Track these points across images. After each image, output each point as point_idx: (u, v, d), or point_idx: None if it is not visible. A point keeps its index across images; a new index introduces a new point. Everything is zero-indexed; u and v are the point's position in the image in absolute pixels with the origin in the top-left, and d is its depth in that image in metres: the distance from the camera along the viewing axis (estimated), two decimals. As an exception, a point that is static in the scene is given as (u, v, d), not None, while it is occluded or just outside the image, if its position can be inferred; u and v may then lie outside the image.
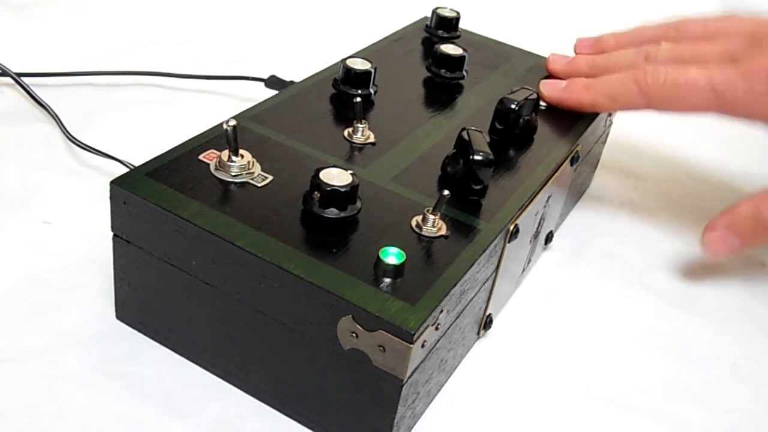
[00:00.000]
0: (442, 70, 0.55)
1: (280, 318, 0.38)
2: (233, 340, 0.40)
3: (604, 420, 0.44)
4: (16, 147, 0.57)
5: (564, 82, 0.55)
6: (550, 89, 0.55)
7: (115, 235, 0.41)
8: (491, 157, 0.43)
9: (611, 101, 0.53)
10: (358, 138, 0.47)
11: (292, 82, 0.61)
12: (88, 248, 0.49)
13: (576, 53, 0.60)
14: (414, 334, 0.34)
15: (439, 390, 0.43)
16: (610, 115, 0.60)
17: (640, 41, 0.57)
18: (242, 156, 0.42)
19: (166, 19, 0.80)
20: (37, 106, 0.60)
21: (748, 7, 0.97)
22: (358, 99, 0.47)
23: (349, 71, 0.51)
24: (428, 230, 0.40)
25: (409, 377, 0.36)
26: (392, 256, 0.37)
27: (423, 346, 0.36)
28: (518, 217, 0.44)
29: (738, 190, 0.67)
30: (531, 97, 0.50)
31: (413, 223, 0.41)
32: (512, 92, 0.50)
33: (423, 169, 0.46)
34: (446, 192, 0.39)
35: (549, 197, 0.49)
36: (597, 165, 0.64)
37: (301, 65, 0.65)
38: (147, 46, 0.74)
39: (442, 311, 0.37)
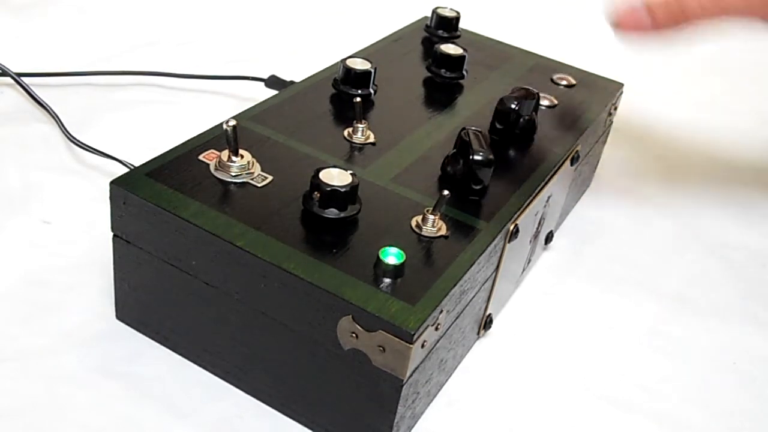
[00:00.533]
0: (442, 70, 0.55)
1: (280, 318, 0.38)
2: (233, 340, 0.40)
3: (604, 420, 0.44)
4: (16, 147, 0.57)
5: (640, 5, 0.49)
6: (628, 18, 0.50)
7: (115, 235, 0.41)
8: (491, 157, 0.43)
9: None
10: (358, 138, 0.47)
11: (292, 82, 0.61)
12: (88, 248, 0.49)
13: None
14: (414, 335, 0.34)
15: (439, 390, 0.43)
16: (610, 115, 0.60)
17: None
18: (242, 156, 0.42)
19: (166, 19, 0.80)
20: (37, 106, 0.60)
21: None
22: (358, 99, 0.47)
23: (349, 71, 0.51)
24: (428, 230, 0.40)
25: (409, 377, 0.36)
26: (392, 256, 0.37)
27: (423, 346, 0.36)
28: (518, 217, 0.44)
29: (737, 190, 0.67)
30: (531, 97, 0.50)
31: (413, 223, 0.41)
32: (512, 92, 0.50)
33: (423, 169, 0.46)
34: (446, 192, 0.39)
35: (549, 197, 0.49)
36: (597, 165, 0.64)
37: (301, 65, 0.65)
38: (147, 46, 0.74)
39: (442, 311, 0.37)
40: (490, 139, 0.49)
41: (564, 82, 0.59)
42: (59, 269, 0.47)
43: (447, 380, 0.44)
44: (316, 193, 0.39)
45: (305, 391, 0.39)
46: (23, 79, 0.61)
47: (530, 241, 0.49)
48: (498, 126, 0.50)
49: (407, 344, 0.34)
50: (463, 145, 0.44)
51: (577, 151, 0.52)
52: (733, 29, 0.50)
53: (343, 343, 0.36)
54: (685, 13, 0.47)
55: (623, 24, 0.48)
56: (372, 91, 0.52)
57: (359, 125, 0.47)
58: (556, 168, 0.49)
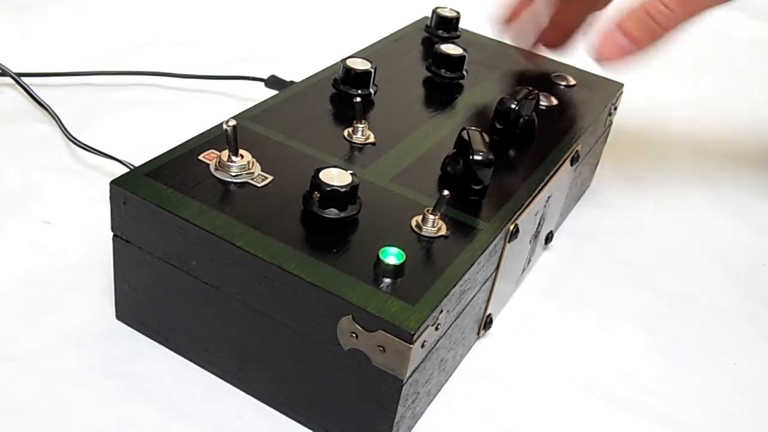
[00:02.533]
0: (442, 70, 0.55)
1: (280, 318, 0.38)
2: (233, 340, 0.40)
3: (604, 420, 0.44)
4: (16, 147, 0.57)
5: (619, 33, 0.51)
6: (608, 46, 0.51)
7: (115, 235, 0.41)
8: (491, 157, 0.43)
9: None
10: (358, 138, 0.47)
11: (292, 82, 0.61)
12: (88, 248, 0.49)
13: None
14: (414, 335, 0.34)
15: (439, 390, 0.43)
16: (610, 115, 0.60)
17: None
18: (242, 156, 0.42)
19: (166, 19, 0.80)
20: (37, 106, 0.60)
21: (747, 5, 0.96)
22: (358, 99, 0.47)
23: (349, 71, 0.51)
24: (428, 230, 0.40)
25: (409, 377, 0.36)
26: (392, 256, 0.37)
27: (423, 346, 0.36)
28: (518, 217, 0.44)
29: (737, 189, 0.67)
30: (531, 97, 0.50)
31: (413, 223, 0.41)
32: (512, 92, 0.50)
33: (423, 169, 0.46)
34: (446, 192, 0.39)
35: (549, 197, 0.49)
36: (597, 165, 0.64)
37: (301, 65, 0.65)
38: (147, 46, 0.74)
39: (442, 311, 0.37)
40: (490, 139, 0.49)
41: (564, 82, 0.59)
42: (59, 269, 0.47)
43: (447, 380, 0.44)
44: (316, 193, 0.39)
45: (305, 391, 0.39)
46: (23, 79, 0.61)
47: (530, 241, 0.49)
48: (498, 126, 0.50)
49: (407, 344, 0.34)
50: (463, 145, 0.44)
51: (577, 151, 0.52)
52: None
53: (343, 343, 0.36)
54: (660, 25, 0.49)
55: (606, 54, 0.50)
56: (372, 91, 0.52)
57: (359, 125, 0.47)
58: (556, 168, 0.49)
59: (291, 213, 0.40)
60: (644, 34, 0.49)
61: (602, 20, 0.50)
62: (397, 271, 0.37)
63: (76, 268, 0.47)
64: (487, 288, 0.44)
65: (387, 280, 0.37)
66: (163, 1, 0.83)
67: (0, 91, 0.63)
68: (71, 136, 0.57)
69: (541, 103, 0.54)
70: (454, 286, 0.37)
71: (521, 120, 0.50)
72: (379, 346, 0.35)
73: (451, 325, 0.40)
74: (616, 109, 0.62)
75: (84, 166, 0.56)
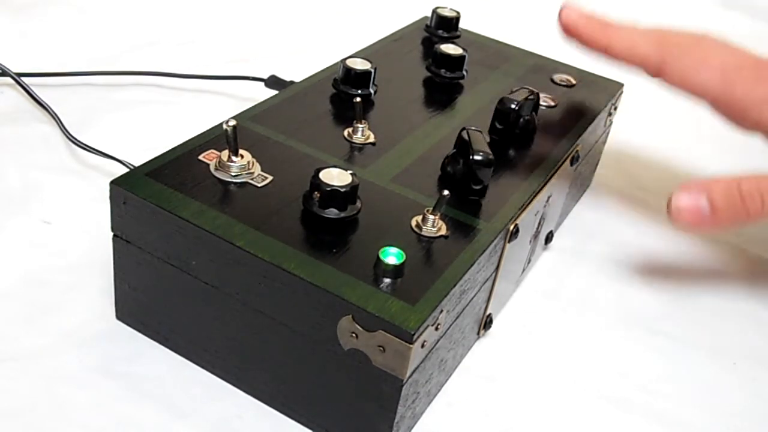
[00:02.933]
0: (442, 70, 0.55)
1: (280, 318, 0.38)
2: (233, 340, 0.40)
3: (604, 420, 0.44)
4: (16, 147, 0.57)
5: (586, 12, 0.53)
6: (569, 13, 0.53)
7: (115, 235, 0.41)
8: (491, 157, 0.43)
9: (628, 49, 0.51)
10: (358, 138, 0.47)
11: (292, 82, 0.61)
12: (88, 248, 0.49)
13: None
14: (414, 334, 0.34)
15: (439, 390, 0.43)
16: (610, 115, 0.60)
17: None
18: (242, 156, 0.42)
19: (166, 19, 0.80)
20: (37, 106, 0.60)
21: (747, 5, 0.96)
22: (358, 99, 0.47)
23: (349, 71, 0.51)
24: (428, 230, 0.40)
25: (409, 377, 0.36)
26: (392, 256, 0.37)
27: (423, 346, 0.36)
28: (518, 217, 0.44)
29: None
30: (531, 97, 0.50)
31: (413, 223, 0.41)
32: (512, 92, 0.50)
33: (423, 169, 0.46)
34: (446, 192, 0.39)
35: (549, 197, 0.49)
36: (597, 165, 0.64)
37: (301, 65, 0.65)
38: (147, 46, 0.74)
39: (442, 311, 0.37)
40: (490, 139, 0.49)
41: (564, 82, 0.59)
42: (59, 269, 0.47)
43: (447, 380, 0.44)
44: (316, 193, 0.39)
45: (305, 391, 0.39)
46: (23, 79, 0.61)
47: (530, 241, 0.49)
48: (498, 126, 0.50)
49: (407, 344, 0.34)
50: (463, 145, 0.44)
51: (577, 151, 0.52)
52: None
53: (343, 343, 0.36)
54: (748, 212, 0.45)
55: (683, 219, 0.46)
56: (372, 91, 0.52)
57: (359, 125, 0.47)
58: (556, 168, 0.49)
59: (291, 213, 0.40)
60: (729, 216, 0.46)
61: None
62: (397, 271, 0.37)
63: (76, 268, 0.47)
64: (487, 288, 0.44)
65: (387, 280, 0.36)
66: (163, 1, 0.83)
67: (0, 91, 0.63)
68: (71, 136, 0.57)
69: (541, 103, 0.54)
70: (454, 286, 0.37)
71: (521, 120, 0.50)
72: (379, 346, 0.35)
73: (451, 325, 0.40)
74: (616, 109, 0.62)
75: (84, 166, 0.56)
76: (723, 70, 0.50)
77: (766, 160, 0.73)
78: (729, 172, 0.71)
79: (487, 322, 0.46)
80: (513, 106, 0.49)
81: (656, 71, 0.51)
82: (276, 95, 0.51)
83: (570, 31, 0.53)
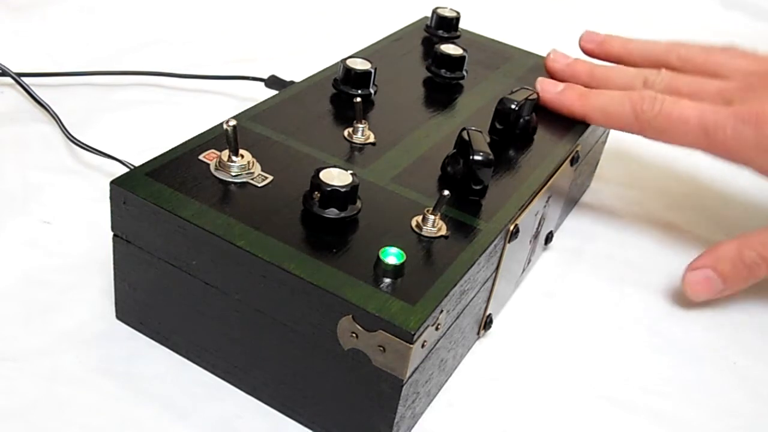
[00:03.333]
0: (442, 70, 0.55)
1: (280, 318, 0.38)
2: (233, 340, 0.40)
3: (605, 420, 0.44)
4: (16, 147, 0.57)
5: (561, 85, 0.55)
6: (546, 89, 0.55)
7: (115, 235, 0.41)
8: (491, 157, 0.43)
9: (604, 117, 0.53)
10: (358, 138, 0.47)
11: (292, 82, 0.61)
12: (88, 248, 0.49)
13: (581, 46, 0.60)
14: (414, 334, 0.34)
15: (439, 390, 0.43)
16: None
17: (644, 57, 0.57)
18: (242, 156, 0.42)
19: (167, 19, 0.80)
20: (37, 106, 0.60)
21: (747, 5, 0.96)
22: (358, 99, 0.47)
23: (349, 71, 0.51)
24: (428, 230, 0.40)
25: (409, 377, 0.36)
26: (392, 256, 0.37)
27: (423, 346, 0.36)
28: (518, 217, 0.44)
29: (737, 189, 0.67)
30: (531, 97, 0.50)
31: (413, 223, 0.41)
32: (512, 92, 0.50)
33: (423, 169, 0.46)
34: (446, 192, 0.39)
35: (549, 197, 0.49)
36: (597, 165, 0.64)
37: (301, 65, 0.65)
38: (147, 46, 0.74)
39: (442, 311, 0.37)
40: (491, 139, 0.49)
41: (564, 82, 0.59)
42: (59, 269, 0.47)
43: (447, 380, 0.44)
44: (316, 193, 0.39)
45: (305, 391, 0.39)
46: (23, 79, 0.61)
47: (530, 241, 0.49)
48: (498, 126, 0.50)
49: (407, 344, 0.34)
50: (463, 145, 0.44)
51: (577, 151, 0.52)
52: None
53: (343, 343, 0.36)
54: (756, 276, 0.51)
55: (700, 293, 0.52)
56: (372, 91, 0.52)
57: (359, 125, 0.47)
58: (556, 168, 0.49)
59: (291, 213, 0.40)
60: (737, 280, 0.51)
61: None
62: (397, 271, 0.37)
63: (76, 268, 0.47)
64: (487, 288, 0.44)
65: (387, 280, 0.37)
66: (163, 1, 0.83)
67: (0, 91, 0.63)
68: (71, 136, 0.57)
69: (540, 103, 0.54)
70: (454, 286, 0.37)
71: (521, 120, 0.50)
72: (380, 346, 0.35)
73: (451, 325, 0.40)
74: (616, 109, 0.62)
75: (84, 166, 0.56)
76: (703, 126, 0.50)
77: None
78: (729, 172, 0.71)
79: (487, 323, 0.46)
80: (513, 106, 0.49)
81: (639, 133, 0.53)
82: (276, 95, 0.51)
83: (547, 105, 0.55)
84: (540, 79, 0.56)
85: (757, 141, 0.49)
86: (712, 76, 0.54)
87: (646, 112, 0.51)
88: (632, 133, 0.53)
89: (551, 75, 0.58)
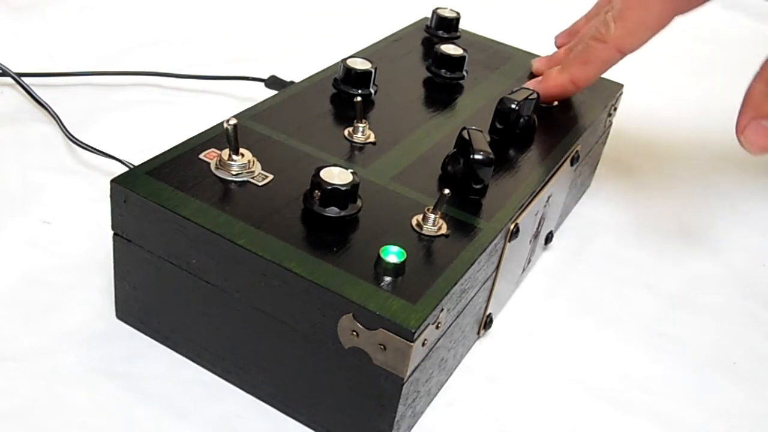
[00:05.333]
0: (442, 71, 0.55)
1: (281, 317, 0.38)
2: (233, 339, 0.40)
3: (604, 420, 0.44)
4: (16, 147, 0.57)
5: (541, 77, 0.56)
6: (531, 86, 0.55)
7: (115, 234, 0.41)
8: (491, 156, 0.43)
9: (585, 66, 0.54)
10: (359, 137, 0.47)
11: (292, 82, 0.61)
12: (88, 248, 0.49)
13: (557, 46, 0.62)
14: (414, 333, 0.34)
15: (440, 389, 0.43)
16: (609, 115, 0.60)
17: (592, 14, 0.60)
18: (243, 155, 0.42)
19: (166, 19, 0.80)
20: (37, 106, 0.60)
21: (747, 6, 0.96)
22: (359, 99, 0.47)
23: (349, 71, 0.51)
24: (429, 229, 0.40)
25: (410, 376, 0.36)
26: (393, 254, 0.37)
27: (423, 344, 0.36)
28: (518, 216, 0.44)
29: (736, 189, 0.67)
30: (531, 97, 0.50)
31: (414, 222, 0.41)
32: (512, 92, 0.50)
33: (423, 168, 0.46)
34: (446, 191, 0.39)
35: (549, 197, 0.49)
36: (597, 165, 0.64)
37: (301, 65, 0.65)
38: (147, 46, 0.74)
39: (442, 310, 0.37)
40: (491, 139, 0.49)
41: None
42: (59, 269, 0.47)
43: (447, 379, 0.44)
44: (316, 191, 0.39)
45: (305, 390, 0.39)
46: (23, 79, 0.61)
47: (530, 241, 0.49)
48: (498, 126, 0.50)
49: (408, 342, 0.34)
50: (463, 145, 0.44)
51: (577, 151, 0.52)
52: None
53: (344, 342, 0.36)
54: None
55: (758, 143, 0.49)
56: (372, 91, 0.52)
57: (360, 125, 0.47)
58: (556, 168, 0.49)
59: (291, 212, 0.40)
60: None
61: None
62: (397, 270, 0.37)
63: (76, 268, 0.47)
64: (488, 287, 0.44)
65: (388, 279, 0.36)
66: (163, 1, 0.83)
67: (0, 91, 0.63)
68: (71, 136, 0.57)
69: (542, 103, 0.54)
70: (455, 285, 0.37)
71: (521, 120, 0.50)
72: (380, 344, 0.35)
73: (451, 324, 0.40)
74: (616, 109, 0.62)
75: (84, 166, 0.56)
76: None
77: (764, 167, 0.73)
78: (729, 172, 0.70)
79: (487, 322, 0.46)
80: (513, 106, 0.49)
81: (619, 52, 0.54)
82: (276, 95, 0.51)
83: (545, 97, 0.56)
84: (528, 82, 0.57)
85: None
86: None
87: (611, 32, 0.53)
88: (615, 61, 0.54)
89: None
